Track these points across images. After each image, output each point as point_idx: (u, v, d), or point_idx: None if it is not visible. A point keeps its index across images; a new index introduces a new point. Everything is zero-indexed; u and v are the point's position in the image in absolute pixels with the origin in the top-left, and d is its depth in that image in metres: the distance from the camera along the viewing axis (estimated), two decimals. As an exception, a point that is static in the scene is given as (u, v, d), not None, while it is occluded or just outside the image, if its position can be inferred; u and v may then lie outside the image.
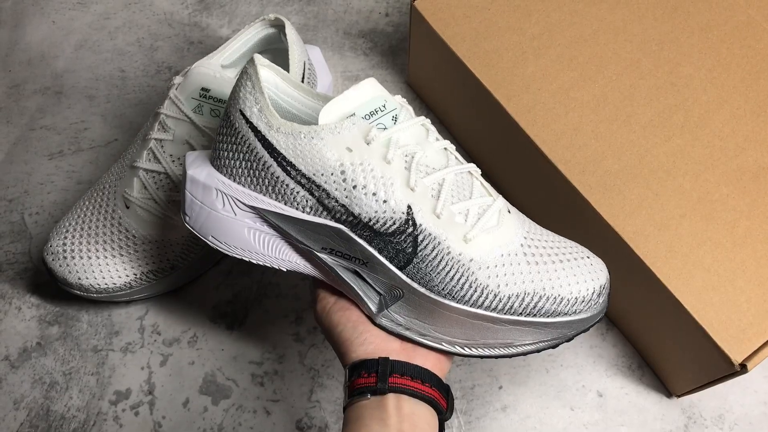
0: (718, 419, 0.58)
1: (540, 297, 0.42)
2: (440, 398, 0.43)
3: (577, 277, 0.42)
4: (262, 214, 0.43)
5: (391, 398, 0.41)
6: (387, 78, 0.76)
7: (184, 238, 0.60)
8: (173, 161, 0.57)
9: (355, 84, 0.43)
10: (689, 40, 0.58)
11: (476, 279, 0.41)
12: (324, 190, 0.41)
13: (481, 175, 0.45)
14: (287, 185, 0.42)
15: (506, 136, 0.59)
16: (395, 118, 0.42)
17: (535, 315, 0.42)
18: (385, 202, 0.41)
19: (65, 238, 0.60)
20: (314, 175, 0.41)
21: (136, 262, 0.60)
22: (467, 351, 0.44)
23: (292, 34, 0.60)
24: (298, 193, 0.42)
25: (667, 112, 0.56)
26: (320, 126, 0.40)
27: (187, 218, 0.46)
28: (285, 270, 0.46)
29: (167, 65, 0.77)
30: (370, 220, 0.41)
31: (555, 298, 0.42)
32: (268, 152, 0.41)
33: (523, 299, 0.41)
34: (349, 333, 0.45)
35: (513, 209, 0.45)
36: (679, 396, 0.59)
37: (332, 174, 0.41)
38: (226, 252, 0.46)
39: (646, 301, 0.54)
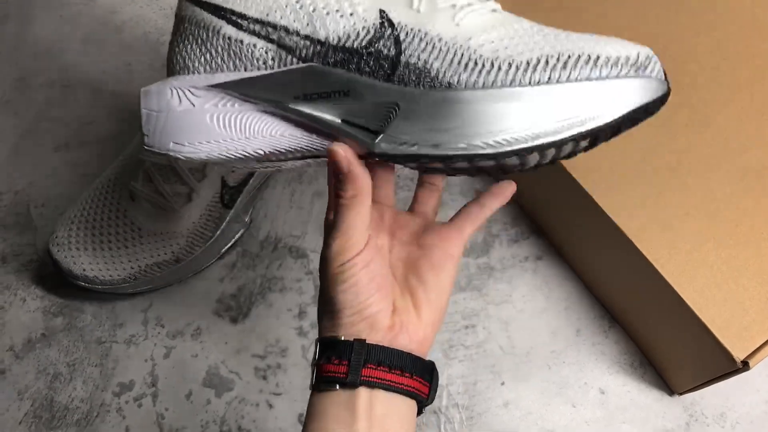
0: (719, 417, 0.58)
1: (571, 56, 0.35)
2: (422, 386, 0.38)
3: (614, 44, 0.37)
4: (224, 93, 0.39)
5: (362, 394, 0.36)
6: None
7: (189, 230, 0.60)
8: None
9: None
10: (695, 39, 0.58)
11: (480, 55, 0.36)
12: (282, 27, 0.37)
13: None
14: (241, 42, 0.38)
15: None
16: None
17: (569, 80, 0.35)
18: (351, 14, 0.37)
19: (70, 229, 0.60)
20: (268, 15, 0.38)
21: (141, 254, 0.60)
22: (503, 148, 0.36)
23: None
24: (255, 46, 0.38)
25: (671, 111, 0.55)
26: None
27: (146, 138, 0.40)
28: (258, 153, 0.40)
29: (174, 60, 0.77)
30: (339, 39, 0.37)
31: (590, 55, 0.36)
32: (213, 14, 0.38)
33: (546, 62, 0.35)
34: (351, 295, 0.37)
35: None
36: (681, 394, 0.59)
37: (287, 6, 0.37)
38: (191, 154, 0.40)
39: (648, 298, 0.54)
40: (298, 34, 0.37)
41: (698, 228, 0.52)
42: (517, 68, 0.35)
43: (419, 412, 0.39)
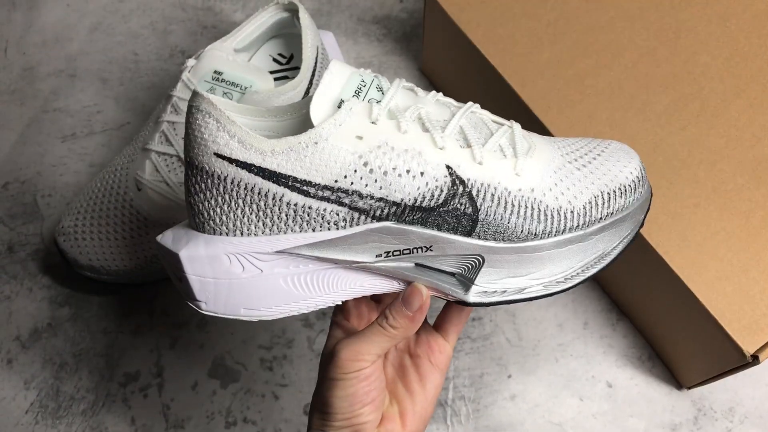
0: (728, 412, 0.58)
1: (609, 193, 0.40)
2: None
3: (622, 162, 0.41)
4: (294, 254, 0.38)
5: None
6: (401, 65, 0.75)
7: (195, 221, 0.60)
8: (185, 143, 0.57)
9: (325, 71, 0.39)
10: (707, 29, 0.57)
11: (547, 206, 0.39)
12: (355, 192, 0.36)
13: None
14: (310, 207, 0.36)
15: (520, 123, 0.59)
16: (380, 88, 0.38)
17: (613, 213, 0.40)
18: (422, 174, 0.37)
19: (77, 219, 0.60)
20: (337, 181, 0.36)
21: (147, 244, 0.60)
22: (570, 283, 0.40)
23: (305, 19, 0.60)
24: (325, 210, 0.37)
25: (682, 101, 0.55)
26: (319, 126, 0.36)
27: (204, 305, 0.39)
28: (341, 302, 0.41)
29: (180, 49, 0.77)
30: (415, 200, 0.37)
31: (619, 188, 0.40)
32: (273, 182, 0.36)
33: (596, 203, 0.39)
34: (347, 403, 0.38)
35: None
36: (689, 388, 0.59)
37: (356, 171, 0.36)
38: (268, 317, 0.39)
39: (658, 291, 0.54)
40: (372, 197, 0.37)
41: (708, 220, 0.51)
42: (578, 215, 0.39)
43: None
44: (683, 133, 0.54)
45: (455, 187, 0.37)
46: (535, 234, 0.39)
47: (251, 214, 0.37)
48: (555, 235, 0.39)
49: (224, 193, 0.36)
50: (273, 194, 0.36)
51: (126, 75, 0.76)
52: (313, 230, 0.37)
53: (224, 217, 0.37)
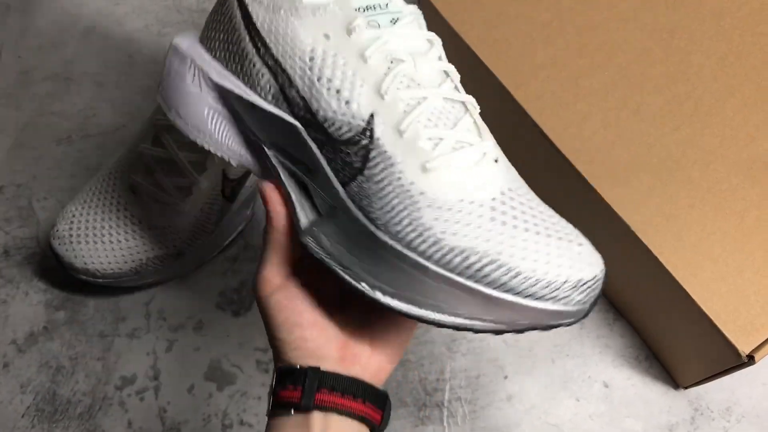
0: (725, 412, 0.58)
1: (490, 260, 0.33)
2: (374, 413, 0.39)
3: (550, 257, 0.33)
4: (225, 95, 0.40)
5: (316, 417, 0.37)
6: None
7: (190, 224, 0.60)
8: (179, 147, 0.57)
9: None
10: (701, 28, 0.57)
11: (420, 217, 0.34)
12: (287, 76, 0.37)
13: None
14: (254, 65, 0.38)
15: (514, 124, 0.59)
16: (394, 21, 0.37)
17: (476, 280, 0.33)
18: (347, 103, 0.35)
19: (72, 222, 0.60)
20: (282, 57, 0.37)
21: (142, 247, 0.60)
22: (387, 300, 0.35)
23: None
24: (263, 76, 0.38)
25: (677, 101, 0.55)
26: (303, 3, 0.36)
27: (160, 88, 0.42)
28: (232, 163, 0.42)
29: (175, 52, 0.77)
30: (326, 120, 0.36)
31: (508, 267, 0.33)
32: (244, 24, 0.38)
33: (467, 257, 0.33)
34: (285, 332, 0.39)
35: (504, 160, 0.38)
36: (686, 388, 0.59)
37: (299, 59, 0.36)
38: (183, 130, 0.41)
39: (653, 291, 0.54)
40: (297, 91, 0.37)
41: (703, 220, 0.51)
42: (440, 249, 0.34)
43: None
44: (677, 133, 0.54)
45: (362, 136, 0.36)
46: (388, 230, 0.35)
47: (222, 41, 0.39)
48: (402, 246, 0.34)
49: (218, 14, 0.40)
50: (239, 34, 0.38)
51: (121, 78, 0.76)
52: (249, 86, 0.38)
53: (209, 34, 0.40)
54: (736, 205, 0.51)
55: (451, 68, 0.39)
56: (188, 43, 0.41)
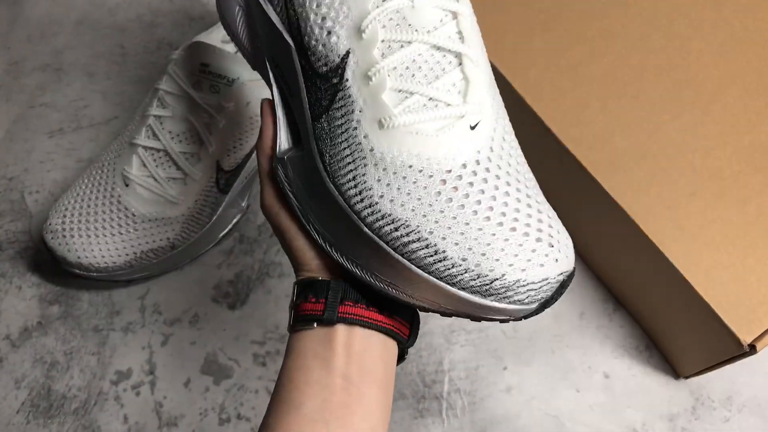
0: (726, 401, 0.58)
1: (418, 237, 0.31)
2: (401, 326, 0.36)
3: (490, 248, 0.30)
4: (250, 4, 0.38)
5: (340, 330, 0.34)
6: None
7: (184, 216, 0.59)
8: (172, 138, 0.56)
9: None
10: (701, 14, 0.56)
11: (363, 174, 0.32)
12: None
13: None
14: None
15: (512, 113, 0.58)
16: None
17: (401, 254, 0.31)
18: (328, 33, 0.33)
19: (64, 216, 0.59)
20: None
21: (136, 240, 0.59)
22: (327, 248, 0.34)
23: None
24: None
25: (677, 88, 0.54)
26: None
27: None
28: (250, 66, 0.41)
29: (168, 41, 0.76)
30: (309, 48, 0.34)
31: (435, 249, 0.30)
32: None
33: (397, 228, 0.31)
34: (302, 241, 0.36)
35: (490, 127, 0.33)
36: (687, 377, 0.58)
37: None
38: (225, 30, 0.42)
39: (654, 280, 0.53)
40: (294, 10, 0.34)
41: (705, 208, 0.50)
42: (374, 213, 0.32)
43: (401, 358, 0.38)
44: (678, 120, 0.53)
45: (334, 74, 0.33)
46: (333, 178, 0.33)
47: None
48: (342, 199, 0.33)
49: None
50: None
51: (113, 69, 0.75)
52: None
53: None
54: (738, 193, 0.50)
55: (465, 9, 0.34)
56: None
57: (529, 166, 0.36)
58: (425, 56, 0.33)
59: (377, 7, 0.32)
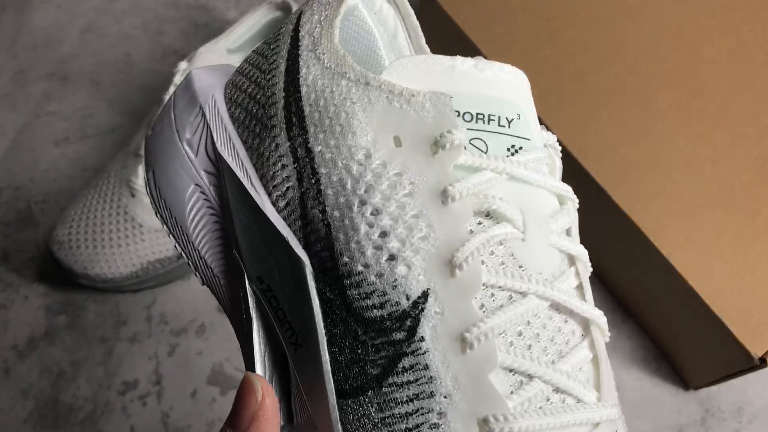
0: (736, 412, 0.57)
1: None
2: None
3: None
4: (221, 180, 0.26)
5: None
6: (397, 61, 0.74)
7: (191, 227, 0.59)
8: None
9: (488, 63, 0.25)
10: (710, 22, 0.56)
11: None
12: (317, 180, 0.24)
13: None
14: (276, 146, 0.25)
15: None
16: (513, 149, 0.25)
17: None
18: (391, 259, 0.22)
19: (70, 227, 0.59)
20: (319, 147, 0.24)
21: (143, 251, 0.59)
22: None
23: (299, 18, 0.58)
24: (283, 168, 0.25)
25: (686, 97, 0.54)
26: (383, 80, 0.24)
27: (149, 133, 0.29)
28: (197, 278, 0.28)
29: (173, 49, 0.76)
30: (349, 275, 0.23)
31: None
32: (285, 78, 0.26)
33: None
34: None
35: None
36: (696, 389, 0.58)
37: (343, 161, 0.23)
38: (152, 205, 0.28)
39: (663, 292, 0.53)
40: (323, 210, 0.24)
41: (714, 220, 0.50)
42: None
43: None
44: (687, 130, 0.52)
45: (398, 324, 0.23)
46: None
47: (247, 93, 0.27)
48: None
49: (261, 56, 0.28)
50: (272, 90, 0.26)
51: (118, 77, 0.75)
52: (261, 176, 0.26)
53: (239, 79, 0.28)
54: (748, 204, 0.50)
55: (582, 251, 0.26)
56: (208, 82, 0.28)
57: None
58: (542, 318, 0.24)
59: (479, 233, 0.23)
